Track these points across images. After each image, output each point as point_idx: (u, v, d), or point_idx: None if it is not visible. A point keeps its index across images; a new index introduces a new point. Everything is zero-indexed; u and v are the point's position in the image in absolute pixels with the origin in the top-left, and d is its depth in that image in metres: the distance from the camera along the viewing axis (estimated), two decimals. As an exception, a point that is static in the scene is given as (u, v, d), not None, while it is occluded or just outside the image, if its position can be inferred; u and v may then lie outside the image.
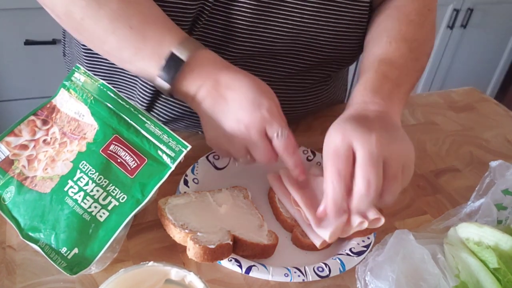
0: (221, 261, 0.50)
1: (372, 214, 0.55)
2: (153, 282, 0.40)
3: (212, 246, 0.48)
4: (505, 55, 2.31)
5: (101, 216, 0.50)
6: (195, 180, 0.60)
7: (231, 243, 0.50)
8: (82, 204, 0.50)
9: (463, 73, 2.29)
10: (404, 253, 0.48)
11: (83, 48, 0.70)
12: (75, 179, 0.52)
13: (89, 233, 0.49)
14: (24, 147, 0.56)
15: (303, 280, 0.49)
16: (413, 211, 0.63)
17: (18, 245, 0.52)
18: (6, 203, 0.53)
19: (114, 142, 0.52)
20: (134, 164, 0.51)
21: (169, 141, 0.52)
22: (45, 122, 0.57)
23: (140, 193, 0.50)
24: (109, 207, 0.50)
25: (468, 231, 0.51)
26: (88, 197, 0.51)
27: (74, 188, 0.51)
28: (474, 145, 0.78)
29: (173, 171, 0.51)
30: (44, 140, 0.56)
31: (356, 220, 0.54)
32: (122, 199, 0.50)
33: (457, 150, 0.76)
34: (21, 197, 0.53)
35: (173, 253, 0.53)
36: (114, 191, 0.51)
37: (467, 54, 2.21)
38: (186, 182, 0.59)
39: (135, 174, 0.51)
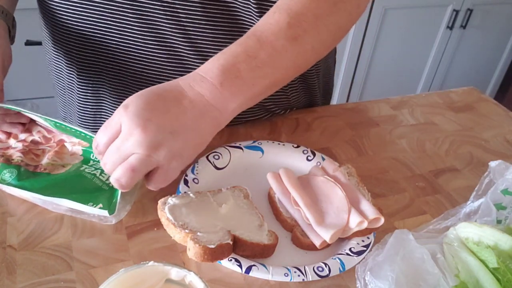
0: (221, 261, 0.50)
1: (372, 214, 0.55)
2: (153, 282, 0.40)
3: (212, 246, 0.48)
4: (505, 55, 2.32)
5: None
6: (195, 180, 0.60)
7: (231, 243, 0.50)
8: (101, 177, 0.57)
9: (462, 74, 2.29)
10: (403, 253, 0.49)
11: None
12: (89, 164, 0.59)
13: (109, 195, 0.55)
14: (11, 148, 0.61)
15: (303, 279, 0.50)
16: (412, 211, 0.63)
17: (19, 245, 0.52)
18: (9, 181, 0.56)
19: None
20: None
21: None
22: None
23: None
24: None
25: (468, 231, 0.51)
26: (104, 174, 0.57)
27: (90, 168, 0.58)
28: (473, 145, 0.78)
29: None
30: (32, 140, 0.62)
31: (355, 220, 0.54)
32: None
33: (456, 150, 0.76)
34: (29, 174, 0.57)
35: (173, 253, 0.53)
36: None
37: (466, 55, 2.21)
38: (186, 182, 0.59)
39: None
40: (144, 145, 0.47)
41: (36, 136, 0.62)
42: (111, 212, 0.53)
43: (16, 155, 0.59)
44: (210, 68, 0.51)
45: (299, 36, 0.53)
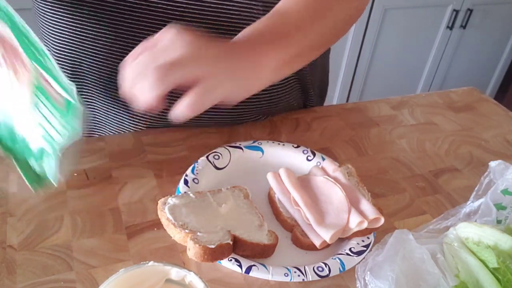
0: (221, 261, 0.50)
1: (372, 214, 0.55)
2: (153, 282, 0.40)
3: (212, 246, 0.48)
4: (505, 55, 2.32)
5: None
6: (195, 180, 0.60)
7: (231, 243, 0.50)
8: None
9: (462, 74, 2.29)
10: (403, 253, 0.49)
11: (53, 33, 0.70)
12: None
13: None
14: None
15: (303, 280, 0.50)
16: (412, 211, 0.63)
17: (19, 245, 0.52)
18: None
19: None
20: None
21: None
22: None
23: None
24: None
25: (468, 231, 0.52)
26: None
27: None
28: (473, 145, 0.78)
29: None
30: None
31: (355, 220, 0.54)
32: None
33: (456, 150, 0.76)
34: None
35: (173, 253, 0.53)
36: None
37: (466, 55, 2.21)
38: (186, 182, 0.59)
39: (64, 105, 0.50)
40: (186, 48, 0.43)
41: None
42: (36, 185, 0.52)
43: None
44: (248, 32, 0.50)
45: (322, 14, 0.55)
